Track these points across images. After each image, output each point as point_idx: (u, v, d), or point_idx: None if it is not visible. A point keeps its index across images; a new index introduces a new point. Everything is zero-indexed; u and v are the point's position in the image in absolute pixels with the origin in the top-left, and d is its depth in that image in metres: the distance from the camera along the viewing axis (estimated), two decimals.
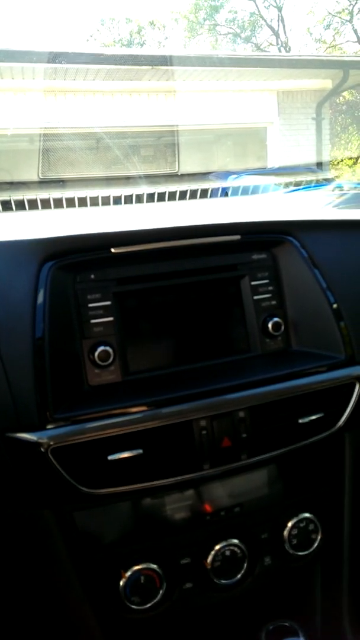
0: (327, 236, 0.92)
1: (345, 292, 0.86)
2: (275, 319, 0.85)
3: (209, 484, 0.80)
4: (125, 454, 0.70)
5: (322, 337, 0.85)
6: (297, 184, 2.13)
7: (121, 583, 0.77)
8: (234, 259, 0.87)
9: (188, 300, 0.83)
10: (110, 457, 0.69)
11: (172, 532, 0.80)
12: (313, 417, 0.80)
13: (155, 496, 0.78)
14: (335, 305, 0.85)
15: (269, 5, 12.68)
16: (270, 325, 0.85)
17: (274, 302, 0.87)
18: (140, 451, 0.71)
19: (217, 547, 0.81)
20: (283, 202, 1.53)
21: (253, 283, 0.86)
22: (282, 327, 0.86)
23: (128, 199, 1.43)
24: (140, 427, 0.71)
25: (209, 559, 0.80)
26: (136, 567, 0.77)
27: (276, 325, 0.85)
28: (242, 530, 0.83)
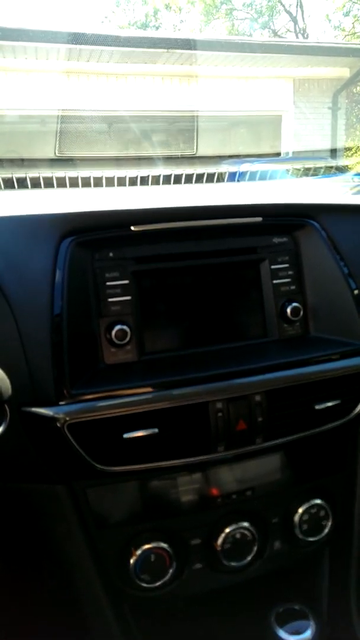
0: (350, 222, 0.90)
1: None
2: (294, 304, 0.84)
3: (222, 466, 0.80)
4: (141, 433, 0.70)
5: (342, 324, 0.84)
6: (314, 172, 2.09)
7: (131, 561, 0.77)
8: (255, 241, 0.85)
9: (206, 281, 0.82)
10: (125, 435, 0.69)
11: (184, 513, 0.80)
12: (329, 404, 0.79)
13: (169, 476, 0.78)
14: (356, 292, 0.83)
15: None
16: (288, 310, 0.84)
17: (293, 287, 0.86)
18: (156, 430, 0.70)
19: (228, 529, 0.81)
20: (303, 188, 1.51)
21: (273, 267, 0.85)
22: (301, 313, 0.85)
23: (144, 180, 1.42)
24: (156, 407, 0.70)
25: (219, 540, 0.80)
26: (147, 546, 0.77)
27: (295, 311, 0.84)
28: (253, 513, 0.83)
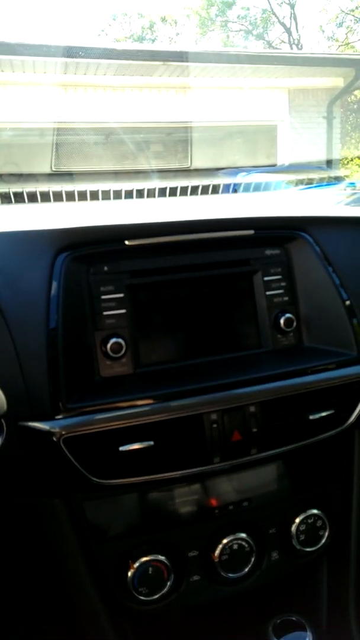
0: (340, 233, 0.91)
1: (359, 289, 0.86)
2: (288, 315, 0.85)
3: (218, 477, 0.80)
4: (137, 446, 0.70)
5: (334, 334, 0.85)
6: (309, 182, 2.12)
7: (129, 574, 0.77)
8: (247, 254, 0.87)
9: (201, 294, 0.84)
10: (121, 448, 0.70)
11: (181, 525, 0.80)
12: (324, 414, 0.80)
13: (165, 488, 0.78)
14: (348, 302, 0.85)
15: (282, 2, 12.60)
16: (282, 321, 0.85)
17: (286, 298, 0.87)
18: (152, 443, 0.71)
19: (225, 540, 0.81)
20: (295, 199, 1.53)
21: (266, 278, 0.86)
22: (294, 324, 0.86)
23: (139, 193, 1.43)
24: (152, 419, 0.71)
25: (217, 552, 0.81)
26: (144, 559, 0.78)
27: (288, 322, 0.85)
28: (250, 524, 0.83)
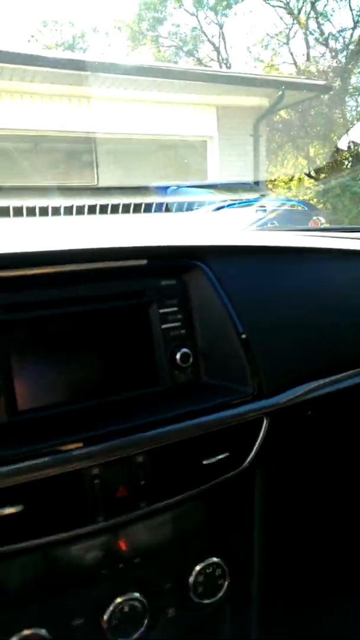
0: (238, 263, 0.88)
1: (255, 322, 0.83)
2: (184, 350, 0.80)
3: (104, 535, 0.72)
4: (3, 511, 0.61)
5: (231, 369, 0.81)
6: (232, 200, 2.12)
7: None
8: (142, 284, 0.81)
9: (90, 329, 0.76)
10: None
11: (63, 591, 0.71)
12: (219, 457, 0.75)
13: (42, 553, 0.69)
14: (244, 336, 0.81)
15: (210, 22, 12.99)
16: (178, 356, 0.80)
17: (183, 332, 0.82)
18: (21, 507, 0.62)
19: (115, 602, 0.73)
20: (202, 223, 1.50)
21: (161, 311, 0.81)
22: (191, 358, 0.81)
23: (43, 211, 1.34)
24: (19, 481, 0.62)
25: (106, 616, 0.73)
26: (25, 632, 0.68)
27: (184, 357, 0.80)
28: (143, 581, 0.76)
